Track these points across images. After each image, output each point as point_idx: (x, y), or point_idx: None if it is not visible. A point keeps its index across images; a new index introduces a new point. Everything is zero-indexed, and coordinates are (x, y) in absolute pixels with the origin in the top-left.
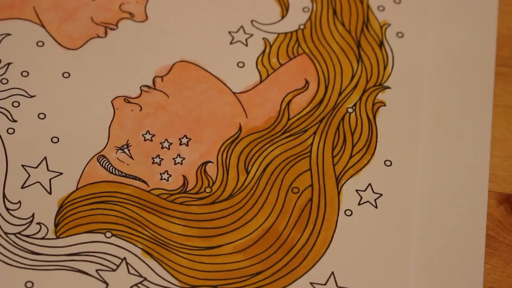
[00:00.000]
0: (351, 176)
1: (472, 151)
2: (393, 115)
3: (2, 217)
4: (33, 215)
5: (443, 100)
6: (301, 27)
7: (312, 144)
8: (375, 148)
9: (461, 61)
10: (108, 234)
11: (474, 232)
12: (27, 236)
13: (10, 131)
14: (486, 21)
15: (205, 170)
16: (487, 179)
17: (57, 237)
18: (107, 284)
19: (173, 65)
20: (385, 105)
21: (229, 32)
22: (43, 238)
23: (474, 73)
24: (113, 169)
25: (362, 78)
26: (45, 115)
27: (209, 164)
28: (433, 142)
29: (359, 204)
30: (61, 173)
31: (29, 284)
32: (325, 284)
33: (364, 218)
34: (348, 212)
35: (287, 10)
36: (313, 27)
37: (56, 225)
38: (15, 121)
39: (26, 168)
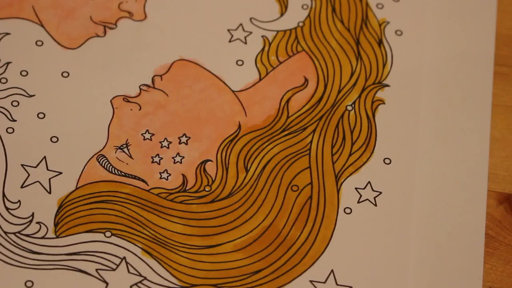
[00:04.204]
0: (350, 174)
1: (471, 149)
2: (392, 113)
3: (2, 216)
4: (32, 215)
5: (442, 98)
6: (300, 24)
7: (311, 142)
8: (374, 146)
9: (460, 60)
10: (108, 234)
11: (473, 231)
12: (27, 235)
13: (10, 130)
14: (485, 19)
15: (204, 169)
16: (486, 178)
17: (57, 237)
18: (107, 283)
19: (172, 63)
20: (384, 103)
21: (228, 30)
22: (42, 238)
23: (473, 71)
24: (113, 168)
25: (361, 76)
26: (44, 115)
27: (209, 162)
28: (432, 140)
29: (358, 202)
30: (60, 173)
31: (29, 284)
32: (324, 282)
33: (363, 216)
34: (348, 210)
35: (286, 7)
36: (312, 25)
37: (55, 225)
38: (14, 120)
39: (26, 167)
